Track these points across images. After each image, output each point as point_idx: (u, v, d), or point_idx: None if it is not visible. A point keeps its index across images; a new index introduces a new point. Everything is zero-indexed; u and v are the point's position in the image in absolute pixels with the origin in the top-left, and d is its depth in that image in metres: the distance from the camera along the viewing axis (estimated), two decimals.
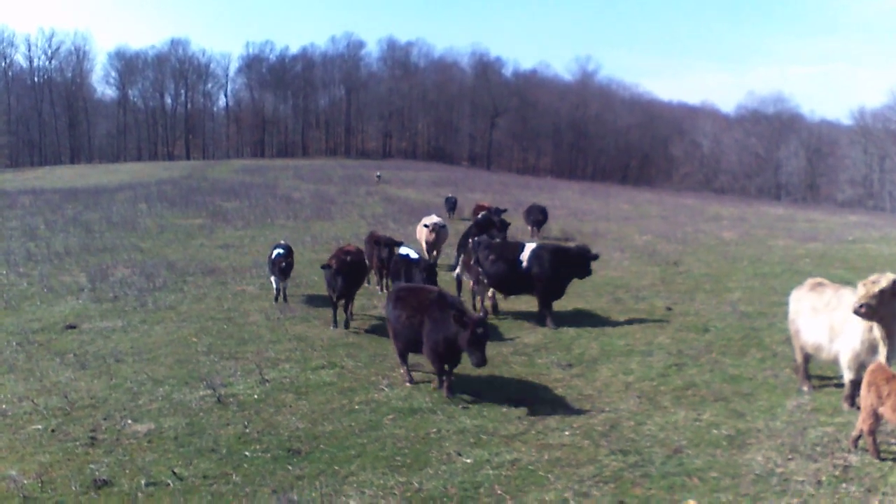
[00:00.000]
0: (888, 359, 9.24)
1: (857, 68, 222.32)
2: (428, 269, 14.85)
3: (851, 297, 9.91)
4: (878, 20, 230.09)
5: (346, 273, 14.55)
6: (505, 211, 27.12)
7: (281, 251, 17.49)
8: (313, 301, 17.43)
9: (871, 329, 9.42)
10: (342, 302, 15.20)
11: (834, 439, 8.93)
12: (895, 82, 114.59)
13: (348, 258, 14.74)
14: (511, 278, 15.36)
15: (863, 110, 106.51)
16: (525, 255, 15.30)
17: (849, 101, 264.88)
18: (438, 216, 23.76)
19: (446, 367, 10.79)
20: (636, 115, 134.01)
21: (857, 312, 9.12)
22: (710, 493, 7.69)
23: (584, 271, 15.48)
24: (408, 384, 11.26)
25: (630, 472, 8.20)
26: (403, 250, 16.28)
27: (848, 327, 9.76)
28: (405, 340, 11.31)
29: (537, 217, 29.19)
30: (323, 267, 14.89)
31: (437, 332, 10.50)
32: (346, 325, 15.06)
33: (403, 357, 11.65)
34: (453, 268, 18.78)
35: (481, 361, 10.11)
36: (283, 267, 17.09)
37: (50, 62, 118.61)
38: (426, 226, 21.83)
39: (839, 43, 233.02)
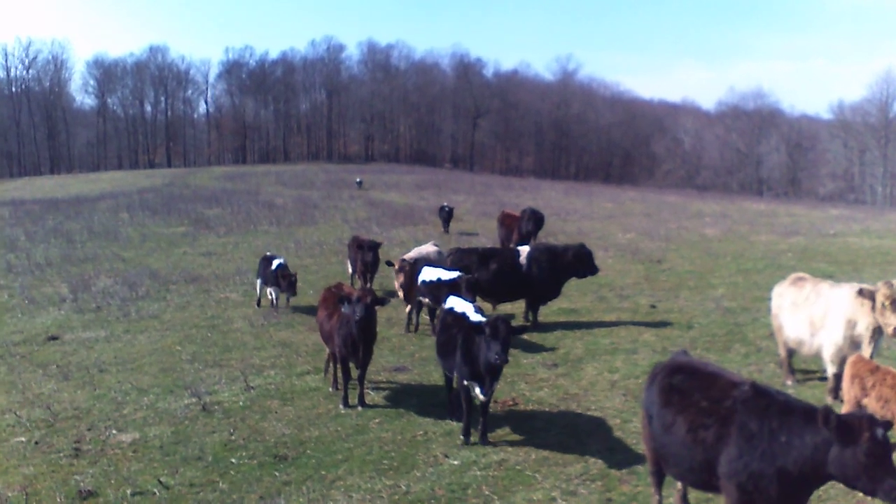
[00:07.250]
0: (872, 355, 9.33)
1: (836, 63, 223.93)
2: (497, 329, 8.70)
3: (829, 290, 10.05)
4: (857, 15, 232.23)
5: (366, 321, 10.24)
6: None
7: (281, 261, 17.31)
8: (297, 307, 17.36)
9: (854, 326, 9.50)
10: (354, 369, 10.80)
11: None
12: (873, 76, 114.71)
13: (369, 298, 10.30)
14: (512, 284, 15.28)
15: (842, 104, 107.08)
16: (523, 259, 15.31)
17: (828, 95, 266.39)
18: (435, 244, 18.31)
19: None
20: (618, 113, 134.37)
21: None
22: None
23: (585, 270, 15.33)
24: None
25: (617, 469, 8.24)
26: (465, 308, 9.92)
27: (829, 322, 9.86)
28: (683, 465, 6.30)
29: (529, 227, 27.13)
30: (341, 300, 10.33)
31: (759, 458, 5.64)
32: (362, 403, 10.63)
33: (659, 480, 7.05)
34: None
35: None
36: (293, 280, 16.99)
37: (27, 71, 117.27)
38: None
39: (819, 38, 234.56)
